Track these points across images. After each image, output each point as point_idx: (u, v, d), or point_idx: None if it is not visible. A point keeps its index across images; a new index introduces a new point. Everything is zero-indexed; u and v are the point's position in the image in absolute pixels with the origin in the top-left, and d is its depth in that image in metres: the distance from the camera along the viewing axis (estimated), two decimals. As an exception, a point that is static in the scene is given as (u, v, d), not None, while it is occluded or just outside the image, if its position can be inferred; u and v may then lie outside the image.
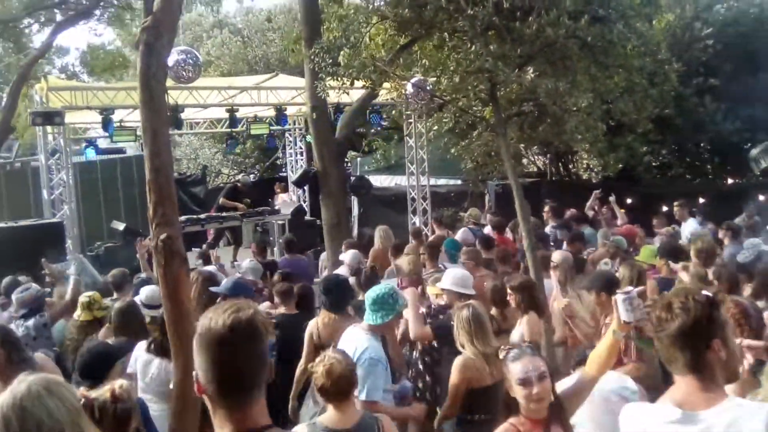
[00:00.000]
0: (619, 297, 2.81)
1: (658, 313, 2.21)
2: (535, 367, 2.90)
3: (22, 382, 2.01)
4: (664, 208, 10.90)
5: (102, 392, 2.84)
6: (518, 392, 2.90)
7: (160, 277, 3.66)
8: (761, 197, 11.99)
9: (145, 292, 5.93)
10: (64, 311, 5.98)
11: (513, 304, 5.34)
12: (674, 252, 6.38)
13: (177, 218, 3.76)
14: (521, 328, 5.21)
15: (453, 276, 5.30)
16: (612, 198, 10.99)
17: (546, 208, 10.68)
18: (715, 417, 2.08)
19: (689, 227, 9.66)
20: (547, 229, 9.95)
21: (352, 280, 6.66)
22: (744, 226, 9.07)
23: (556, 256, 6.75)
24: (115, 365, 4.20)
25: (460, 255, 7.79)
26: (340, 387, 3.34)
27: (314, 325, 5.24)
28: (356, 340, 4.26)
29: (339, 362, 3.40)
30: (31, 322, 5.64)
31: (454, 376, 4.30)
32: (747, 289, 5.57)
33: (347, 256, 7.62)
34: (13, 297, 5.89)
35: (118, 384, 2.90)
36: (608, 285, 4.93)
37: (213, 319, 1.79)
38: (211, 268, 7.34)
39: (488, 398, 4.27)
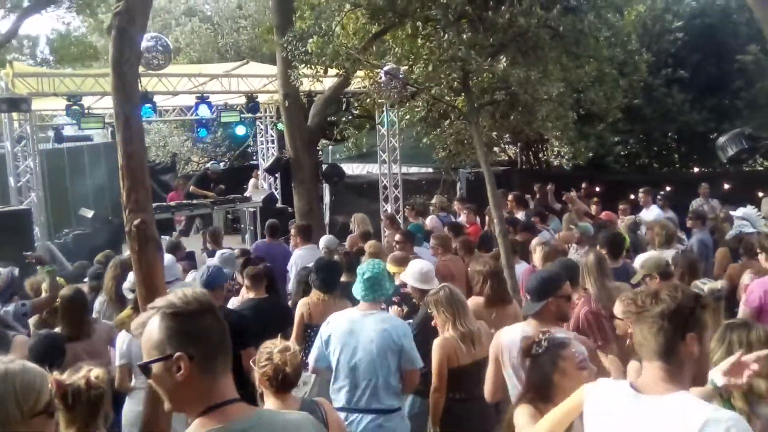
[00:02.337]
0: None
1: (643, 298, 2.24)
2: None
3: None
4: (632, 197, 11.10)
5: (76, 379, 2.86)
6: (573, 376, 2.80)
7: (134, 262, 3.66)
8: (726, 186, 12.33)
9: (130, 277, 5.91)
10: (46, 304, 5.80)
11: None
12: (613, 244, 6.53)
13: (150, 203, 3.74)
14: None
15: (416, 270, 5.25)
16: (573, 193, 11.18)
17: (510, 197, 10.79)
18: (662, 403, 2.11)
19: (651, 214, 9.92)
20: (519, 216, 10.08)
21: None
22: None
23: (535, 241, 6.89)
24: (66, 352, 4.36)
25: (424, 239, 7.99)
26: (295, 377, 3.30)
27: (305, 305, 5.30)
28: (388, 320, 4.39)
29: (298, 353, 3.37)
30: (11, 307, 5.47)
31: (434, 357, 4.34)
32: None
33: (323, 240, 7.66)
34: None
35: (93, 374, 2.92)
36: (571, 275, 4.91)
37: (184, 295, 1.87)
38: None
39: (466, 378, 4.35)
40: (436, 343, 4.38)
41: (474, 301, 5.12)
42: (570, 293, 4.00)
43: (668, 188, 12.59)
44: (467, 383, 4.35)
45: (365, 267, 4.43)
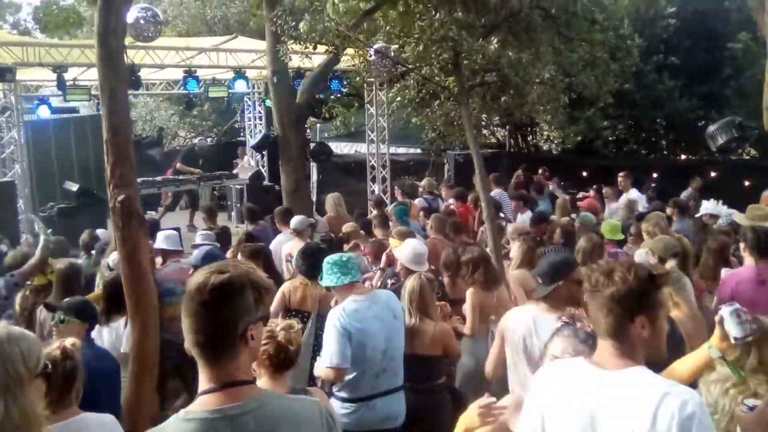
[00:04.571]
0: (726, 310, 2.64)
1: (597, 276, 2.23)
2: (576, 353, 2.67)
3: None
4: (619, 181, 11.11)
5: (52, 350, 2.81)
6: None
7: (118, 239, 3.62)
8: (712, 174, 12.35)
9: (113, 255, 5.92)
10: (34, 272, 5.62)
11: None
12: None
13: (135, 179, 3.71)
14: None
15: (410, 251, 5.20)
16: (553, 184, 11.18)
17: (490, 177, 10.75)
18: (617, 379, 2.13)
19: (630, 197, 9.93)
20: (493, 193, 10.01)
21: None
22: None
23: (510, 228, 6.87)
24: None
25: (410, 220, 8.05)
26: (296, 357, 3.22)
27: (288, 288, 5.22)
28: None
29: (300, 331, 3.30)
30: (0, 281, 5.34)
31: None
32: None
33: (292, 222, 7.38)
34: None
35: (69, 341, 2.87)
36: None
37: (195, 278, 1.87)
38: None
39: (414, 369, 4.33)
40: None
41: (472, 290, 5.18)
42: (582, 278, 3.94)
43: (655, 175, 12.63)
44: (415, 375, 4.33)
45: (327, 258, 4.29)
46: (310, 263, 5.16)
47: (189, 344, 1.85)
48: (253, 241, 6.86)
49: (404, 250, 5.25)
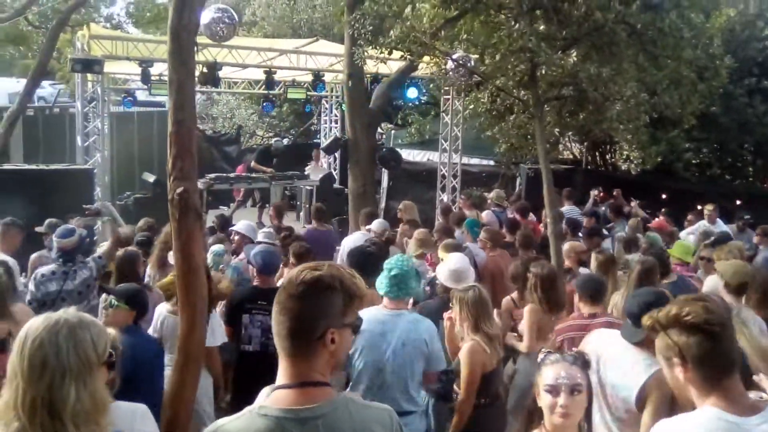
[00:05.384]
0: None
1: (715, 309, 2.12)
2: (569, 375, 2.57)
3: (61, 312, 2.04)
4: (699, 207, 10.56)
5: None
6: (544, 400, 2.60)
7: (174, 230, 3.63)
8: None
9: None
10: (112, 251, 5.89)
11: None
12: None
13: (195, 173, 3.69)
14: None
15: (449, 269, 4.99)
16: (634, 203, 10.76)
17: (564, 192, 10.44)
18: (765, 424, 2.02)
19: (710, 227, 9.27)
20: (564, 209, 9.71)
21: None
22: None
23: (566, 246, 6.61)
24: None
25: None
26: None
27: None
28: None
29: None
30: (92, 262, 5.66)
31: (467, 364, 4.06)
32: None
33: (374, 224, 7.61)
34: (54, 240, 5.66)
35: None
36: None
37: (291, 271, 1.93)
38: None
39: (491, 383, 4.18)
40: (469, 349, 4.09)
41: (531, 307, 5.01)
42: None
43: (738, 202, 12.00)
44: (492, 387, 4.18)
45: (393, 262, 4.11)
46: (356, 262, 5.08)
47: (273, 333, 1.89)
48: (298, 240, 7.04)
49: (442, 268, 5.08)
